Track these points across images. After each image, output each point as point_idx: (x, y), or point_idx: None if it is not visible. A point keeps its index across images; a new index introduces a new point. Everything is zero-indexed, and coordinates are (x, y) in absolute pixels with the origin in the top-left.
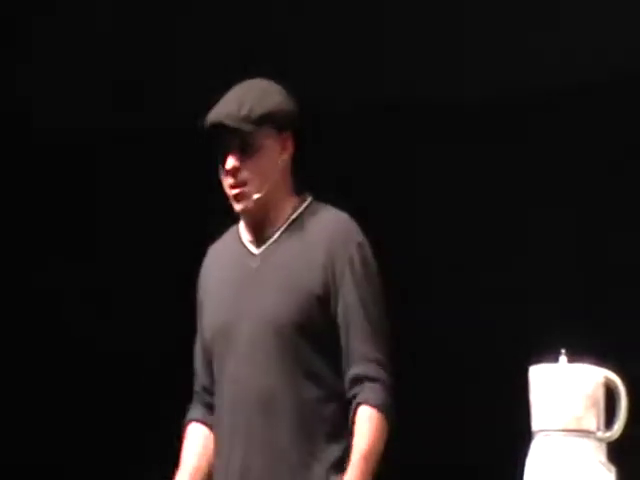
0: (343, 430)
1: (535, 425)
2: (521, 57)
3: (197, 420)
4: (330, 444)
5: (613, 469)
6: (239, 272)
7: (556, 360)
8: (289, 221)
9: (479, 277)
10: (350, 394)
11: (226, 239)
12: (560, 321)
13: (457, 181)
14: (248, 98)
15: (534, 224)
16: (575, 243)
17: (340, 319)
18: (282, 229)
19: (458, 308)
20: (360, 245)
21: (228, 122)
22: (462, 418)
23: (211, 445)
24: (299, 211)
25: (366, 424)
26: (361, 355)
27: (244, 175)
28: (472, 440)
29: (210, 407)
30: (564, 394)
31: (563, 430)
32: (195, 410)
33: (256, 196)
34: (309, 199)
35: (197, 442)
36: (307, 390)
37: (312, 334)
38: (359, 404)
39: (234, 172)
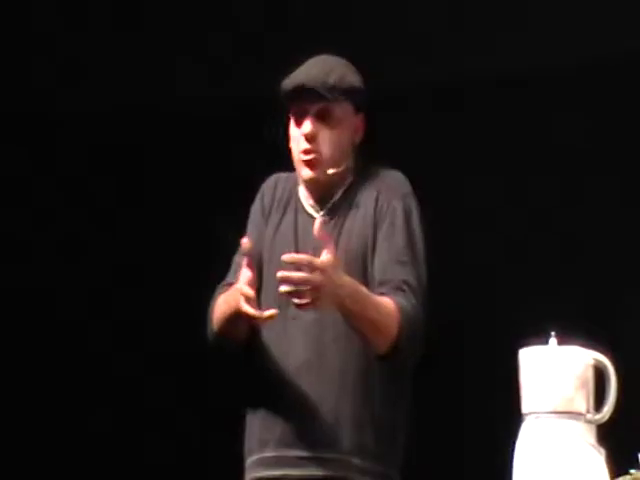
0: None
1: (525, 407)
2: None
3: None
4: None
5: (603, 451)
6: (300, 234)
7: (546, 342)
8: (345, 187)
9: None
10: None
11: (290, 181)
12: (550, 305)
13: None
14: (336, 69)
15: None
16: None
17: (375, 258)
18: (339, 196)
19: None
20: (404, 196)
21: (316, 86)
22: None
23: None
24: (353, 177)
25: (381, 298)
26: (391, 275)
27: (321, 143)
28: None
29: None
30: (554, 376)
31: (553, 412)
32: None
33: (330, 170)
34: (364, 163)
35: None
36: (362, 365)
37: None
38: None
39: (312, 137)
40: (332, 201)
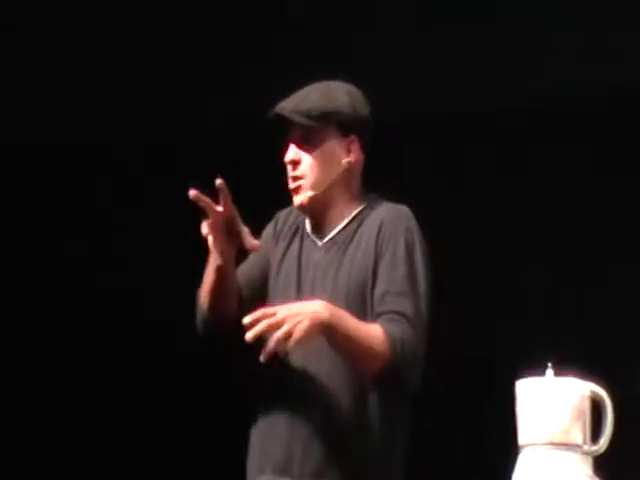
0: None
1: (522, 439)
2: None
3: None
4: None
5: None
6: (303, 260)
7: (543, 374)
8: (350, 217)
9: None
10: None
11: (294, 215)
12: (549, 334)
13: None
14: (314, 95)
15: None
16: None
17: (375, 289)
18: (343, 224)
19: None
20: (408, 229)
21: (285, 113)
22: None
23: None
24: (360, 208)
25: (376, 330)
26: (387, 307)
27: (301, 169)
28: (457, 453)
29: None
30: (550, 407)
31: (549, 443)
32: None
33: (310, 193)
34: (372, 196)
35: None
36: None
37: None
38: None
39: (293, 164)
40: (336, 230)
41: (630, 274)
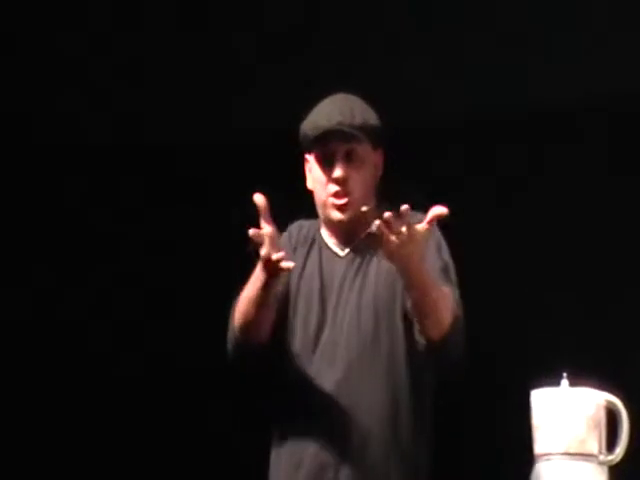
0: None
1: (537, 449)
2: None
3: None
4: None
5: None
6: (325, 272)
7: (558, 384)
8: (370, 225)
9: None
10: None
11: (306, 228)
12: (562, 343)
13: None
14: (357, 109)
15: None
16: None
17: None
18: (365, 233)
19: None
20: (432, 229)
21: (344, 128)
22: (463, 444)
23: None
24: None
25: (447, 292)
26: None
27: (351, 186)
28: (474, 464)
29: None
30: (566, 417)
31: (565, 454)
32: None
33: (364, 208)
34: (386, 204)
35: None
36: (390, 388)
37: (400, 337)
38: None
39: (342, 181)
40: (358, 239)
41: None
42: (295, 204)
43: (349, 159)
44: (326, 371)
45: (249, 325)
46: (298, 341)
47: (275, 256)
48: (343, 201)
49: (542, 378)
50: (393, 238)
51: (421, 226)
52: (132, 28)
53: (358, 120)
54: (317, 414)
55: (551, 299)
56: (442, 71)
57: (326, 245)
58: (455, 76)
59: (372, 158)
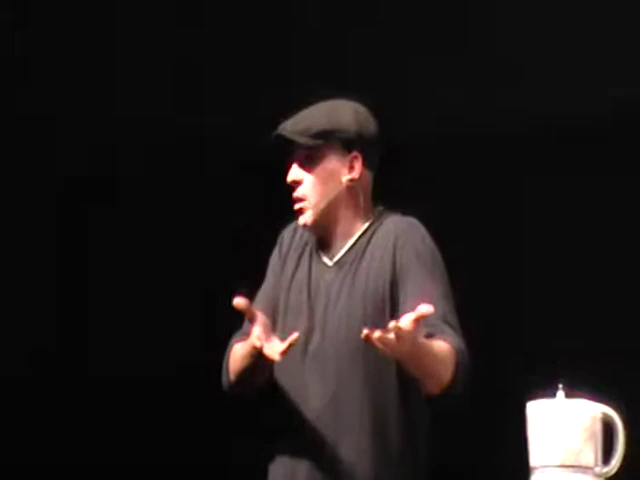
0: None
1: (533, 461)
2: None
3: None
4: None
5: None
6: (313, 282)
7: (553, 395)
8: (359, 233)
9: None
10: None
11: (300, 233)
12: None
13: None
14: (314, 114)
15: None
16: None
17: (406, 296)
18: (352, 241)
19: None
20: (424, 237)
21: (284, 133)
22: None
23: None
24: (368, 223)
25: (441, 344)
26: (434, 318)
27: (303, 189)
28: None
29: None
30: (562, 429)
31: (561, 466)
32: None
33: (312, 212)
34: (380, 209)
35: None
36: (379, 400)
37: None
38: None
39: (294, 185)
40: (345, 248)
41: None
42: None
43: (305, 163)
44: (315, 385)
45: (243, 380)
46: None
47: (265, 352)
48: (298, 205)
49: (538, 389)
50: (382, 346)
51: (407, 326)
52: None
53: (304, 125)
54: (308, 429)
55: (547, 308)
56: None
57: (316, 252)
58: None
59: (338, 161)
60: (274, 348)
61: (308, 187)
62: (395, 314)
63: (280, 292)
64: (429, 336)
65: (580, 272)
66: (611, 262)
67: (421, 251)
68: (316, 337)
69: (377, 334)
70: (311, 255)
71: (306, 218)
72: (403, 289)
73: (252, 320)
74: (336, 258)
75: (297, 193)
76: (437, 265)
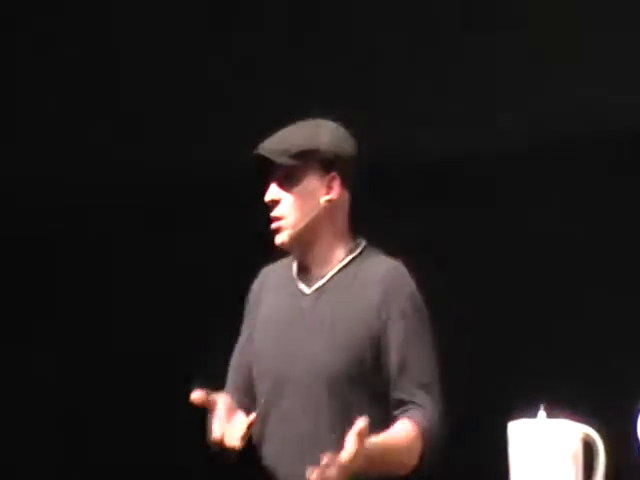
0: None
1: None
2: None
3: None
4: None
5: None
6: (290, 311)
7: (535, 416)
8: (341, 264)
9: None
10: (395, 413)
11: (281, 266)
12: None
13: None
14: (294, 133)
15: None
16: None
17: (392, 361)
18: (333, 271)
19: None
20: (412, 295)
21: (263, 152)
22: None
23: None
24: (352, 255)
25: (402, 430)
26: (409, 382)
27: (280, 209)
28: None
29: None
30: (543, 450)
31: None
32: None
33: (289, 232)
34: (363, 243)
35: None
36: None
37: (363, 383)
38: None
39: (272, 205)
40: (326, 278)
41: (618, 309)
42: None
43: (282, 183)
44: (293, 415)
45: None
46: (263, 387)
47: (225, 444)
48: (275, 225)
49: (519, 409)
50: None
51: (347, 458)
52: None
53: (284, 144)
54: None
55: (530, 328)
56: None
57: (295, 285)
58: None
59: (316, 181)
60: (233, 435)
61: (286, 206)
62: (379, 363)
63: (257, 329)
64: (400, 403)
65: (558, 291)
66: (590, 283)
67: (408, 312)
68: (294, 372)
69: (315, 475)
70: (290, 286)
71: (283, 237)
72: (384, 350)
73: (211, 411)
74: (315, 287)
75: (275, 212)
76: (422, 324)
